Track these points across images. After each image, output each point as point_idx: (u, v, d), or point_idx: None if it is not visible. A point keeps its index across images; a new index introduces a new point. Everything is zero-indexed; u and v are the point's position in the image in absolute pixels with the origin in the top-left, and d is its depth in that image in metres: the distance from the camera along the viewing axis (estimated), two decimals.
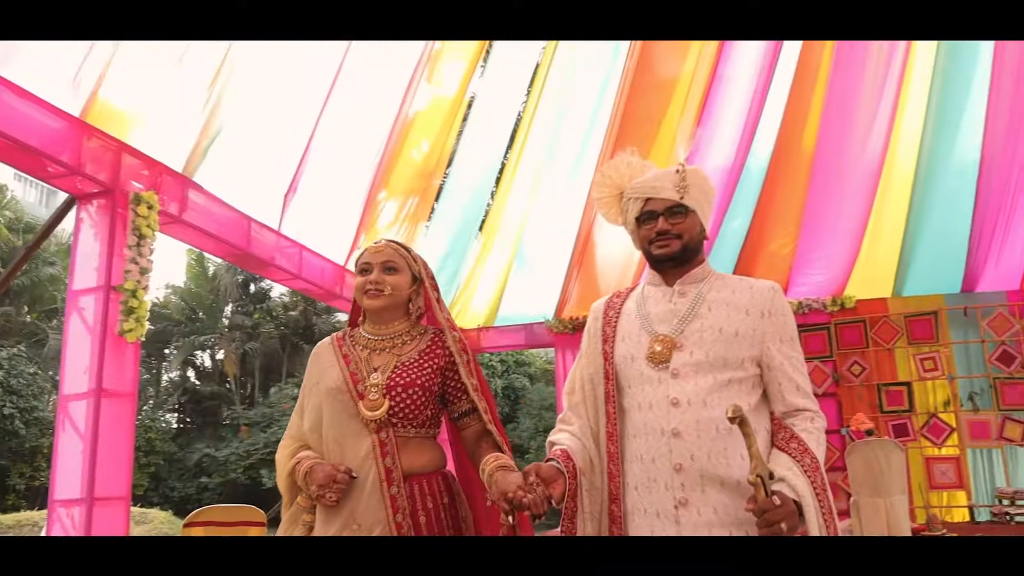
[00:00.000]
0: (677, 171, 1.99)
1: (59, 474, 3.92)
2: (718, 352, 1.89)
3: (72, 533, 3.77)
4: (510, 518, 1.75)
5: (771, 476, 1.72)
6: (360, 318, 2.36)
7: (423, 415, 2.18)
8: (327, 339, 2.36)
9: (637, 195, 2.03)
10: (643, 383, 1.94)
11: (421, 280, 2.33)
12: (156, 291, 24.91)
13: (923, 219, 6.70)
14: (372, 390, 2.14)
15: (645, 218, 2.02)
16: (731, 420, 1.65)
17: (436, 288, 2.35)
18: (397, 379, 2.15)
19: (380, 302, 2.22)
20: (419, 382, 2.17)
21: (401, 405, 2.13)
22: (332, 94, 5.69)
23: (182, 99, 4.67)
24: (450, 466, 2.34)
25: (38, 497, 18.32)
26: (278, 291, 24.05)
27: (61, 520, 3.84)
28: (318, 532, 2.14)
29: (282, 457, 2.23)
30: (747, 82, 6.36)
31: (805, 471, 1.77)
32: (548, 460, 1.93)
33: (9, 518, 15.37)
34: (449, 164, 7.26)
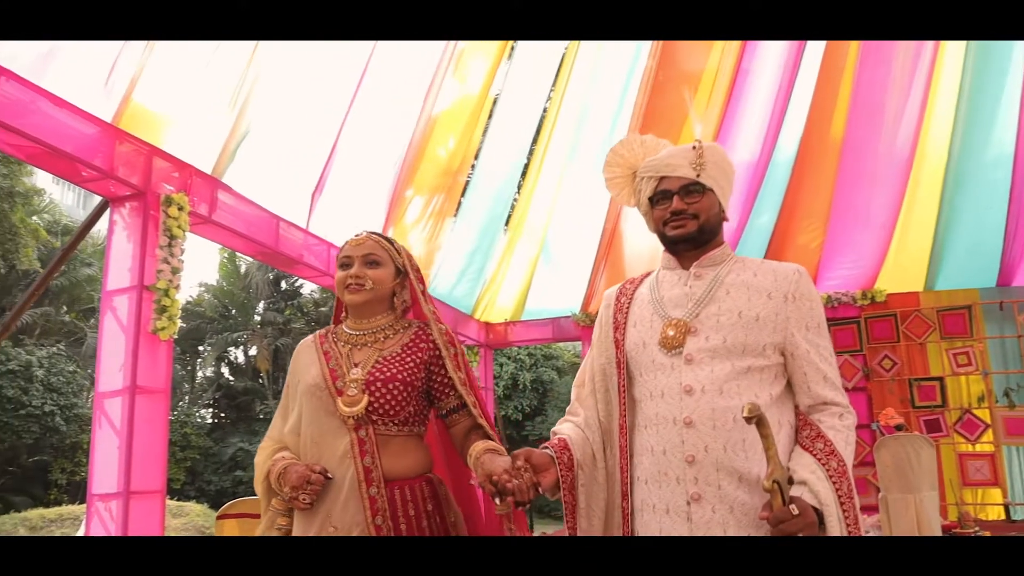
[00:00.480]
0: (693, 147, 1.84)
1: (96, 469, 3.99)
2: (736, 337, 1.74)
3: (110, 526, 3.85)
4: (497, 500, 1.63)
5: (791, 481, 1.58)
6: (343, 314, 2.26)
7: (405, 411, 2.06)
8: (309, 336, 2.26)
9: (650, 173, 1.89)
10: (655, 370, 1.80)
11: (405, 273, 2.23)
12: (190, 289, 25.34)
13: (956, 212, 6.60)
14: (351, 386, 2.02)
15: (659, 198, 1.88)
16: (747, 420, 1.51)
17: (422, 280, 2.25)
18: (377, 374, 2.04)
19: (361, 297, 2.11)
20: (400, 376, 2.05)
21: (381, 401, 2.02)
22: (358, 94, 5.74)
23: (210, 101, 4.74)
24: (439, 470, 2.25)
25: (79, 491, 18.73)
26: (308, 288, 24.34)
27: (99, 514, 3.90)
28: (296, 534, 2.04)
29: (260, 459, 2.12)
30: (773, 75, 6.31)
31: (830, 476, 1.62)
32: (543, 448, 1.82)
33: (52, 512, 15.72)
34: (474, 161, 7.30)
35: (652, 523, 1.75)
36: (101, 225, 4.43)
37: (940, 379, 6.75)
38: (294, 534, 2.03)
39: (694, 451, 1.69)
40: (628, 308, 1.95)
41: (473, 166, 7.39)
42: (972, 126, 6.25)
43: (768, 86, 6.35)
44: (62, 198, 24.70)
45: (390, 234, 6.60)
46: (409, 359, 2.10)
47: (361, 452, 1.99)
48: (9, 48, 3.58)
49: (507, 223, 7.95)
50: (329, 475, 1.97)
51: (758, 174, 6.65)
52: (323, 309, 23.60)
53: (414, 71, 6.13)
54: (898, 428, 5.57)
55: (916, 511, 5.20)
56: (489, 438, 2.04)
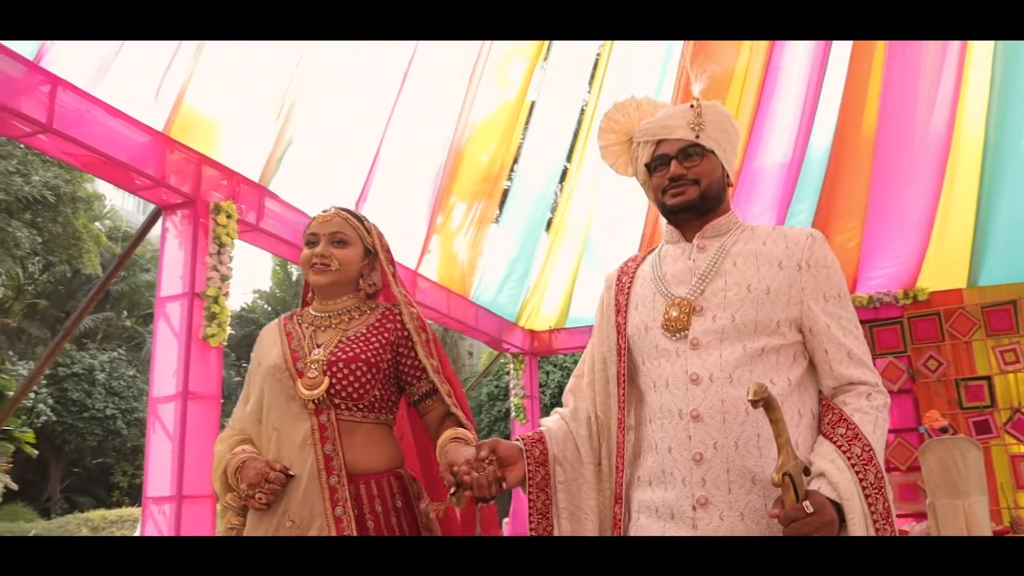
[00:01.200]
0: (691, 106, 1.67)
1: (151, 473, 4.11)
2: (747, 314, 1.55)
3: (164, 529, 3.96)
4: (452, 496, 1.50)
5: (807, 472, 1.38)
6: (310, 294, 2.14)
7: (370, 395, 1.93)
8: (275, 320, 2.14)
9: (647, 138, 1.71)
10: (658, 357, 1.61)
11: (375, 254, 2.10)
12: (244, 296, 25.90)
13: (995, 204, 6.47)
14: (312, 367, 1.89)
15: (657, 163, 1.69)
16: (753, 403, 1.32)
17: (392, 262, 2.13)
18: (340, 354, 1.92)
19: (326, 278, 1.99)
20: (364, 356, 1.92)
21: (344, 383, 1.89)
22: (398, 103, 5.86)
23: (256, 111, 4.88)
24: (412, 467, 2.13)
25: (139, 494, 19.26)
26: None
27: (154, 516, 4.02)
28: (248, 535, 1.90)
29: (220, 449, 1.98)
30: (801, 72, 6.30)
31: (852, 465, 1.41)
32: (516, 440, 1.69)
33: (112, 514, 16.23)
34: (514, 166, 7.37)
35: (652, 529, 1.57)
36: (158, 231, 4.59)
37: (988, 378, 6.62)
38: (246, 532, 1.90)
39: (702, 448, 1.51)
40: (630, 288, 1.76)
41: (513, 171, 7.47)
42: (1006, 116, 6.13)
43: (798, 83, 6.34)
44: (123, 204, 25.37)
45: (434, 242, 6.75)
46: (374, 339, 1.97)
47: (322, 439, 1.86)
48: (67, 60, 3.75)
49: (548, 227, 8.01)
50: (291, 472, 1.84)
51: (792, 174, 6.62)
52: None
53: (452, 78, 6.24)
54: (943, 431, 5.47)
55: (965, 516, 5.10)
56: (463, 427, 1.93)
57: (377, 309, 2.06)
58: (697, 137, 1.65)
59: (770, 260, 1.60)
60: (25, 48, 3.60)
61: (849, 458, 1.42)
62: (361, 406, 1.93)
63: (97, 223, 20.15)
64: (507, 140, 6.91)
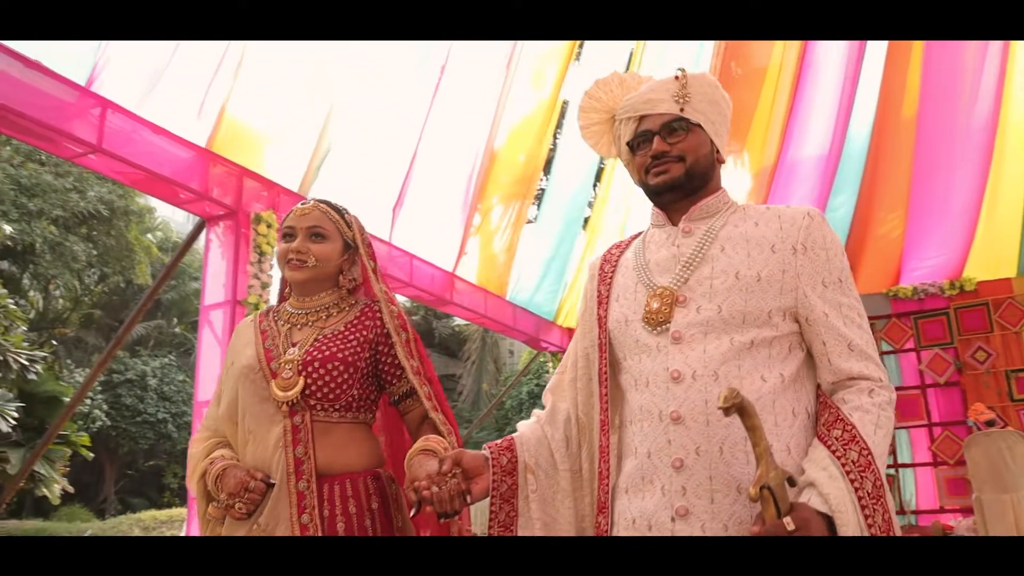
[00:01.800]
0: (676, 78, 1.54)
1: None
2: (734, 305, 1.40)
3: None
4: (415, 513, 1.46)
5: (793, 483, 1.24)
6: (287, 290, 2.04)
7: (347, 395, 1.85)
8: (250, 316, 2.07)
9: (629, 114, 1.57)
10: (639, 353, 1.48)
11: (355, 248, 2.00)
12: None
13: None
14: (286, 367, 1.81)
15: (639, 141, 1.55)
16: (724, 411, 1.19)
17: (373, 257, 2.02)
18: (315, 353, 1.84)
19: (303, 274, 1.90)
20: (340, 356, 1.84)
21: (319, 383, 1.81)
22: (432, 109, 5.92)
23: (295, 122, 4.99)
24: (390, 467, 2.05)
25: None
26: (399, 298, 24.89)
27: (199, 517, 4.16)
28: None
29: (195, 451, 1.92)
30: (838, 61, 6.19)
31: (847, 472, 1.27)
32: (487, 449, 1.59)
33: (163, 514, 16.70)
34: (548, 166, 7.38)
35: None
36: (204, 241, 4.74)
37: None
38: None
39: (683, 454, 1.37)
40: (612, 278, 1.62)
41: (548, 171, 7.48)
42: None
43: (834, 73, 6.24)
44: (172, 215, 25.97)
45: (472, 242, 6.80)
46: (352, 337, 1.89)
47: (294, 441, 1.78)
48: (116, 82, 3.89)
49: (584, 225, 8.01)
50: (272, 480, 1.76)
51: (831, 166, 6.51)
52: (414, 318, 24.15)
53: (487, 79, 6.28)
54: (989, 423, 5.37)
55: (1014, 512, 5.02)
56: (439, 431, 1.86)
57: (357, 306, 1.98)
58: (682, 110, 1.51)
59: (762, 243, 1.45)
60: (77, 73, 3.75)
61: (844, 464, 1.28)
62: (338, 406, 1.85)
63: (148, 235, 20.75)
64: (542, 139, 6.94)
